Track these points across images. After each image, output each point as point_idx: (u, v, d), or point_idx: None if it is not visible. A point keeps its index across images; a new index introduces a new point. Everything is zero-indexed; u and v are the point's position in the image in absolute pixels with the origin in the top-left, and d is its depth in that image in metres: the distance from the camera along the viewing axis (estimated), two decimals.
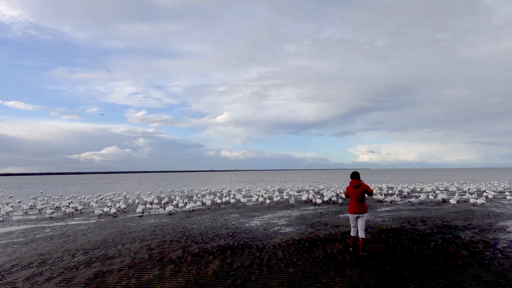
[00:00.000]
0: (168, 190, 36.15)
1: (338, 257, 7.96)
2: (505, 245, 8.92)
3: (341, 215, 15.11)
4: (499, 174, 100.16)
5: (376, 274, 6.62)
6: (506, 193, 23.08)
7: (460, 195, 23.21)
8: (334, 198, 22.34)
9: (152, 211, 18.02)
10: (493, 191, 25.43)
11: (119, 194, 32.04)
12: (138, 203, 22.31)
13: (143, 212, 17.44)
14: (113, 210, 16.91)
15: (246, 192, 31.40)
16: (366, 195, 8.24)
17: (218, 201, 21.49)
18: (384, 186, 34.20)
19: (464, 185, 37.03)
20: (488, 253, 8.13)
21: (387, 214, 15.33)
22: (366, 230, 9.11)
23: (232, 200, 21.71)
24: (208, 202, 19.97)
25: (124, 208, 19.07)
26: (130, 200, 24.52)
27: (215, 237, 10.62)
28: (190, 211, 17.75)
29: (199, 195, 26.63)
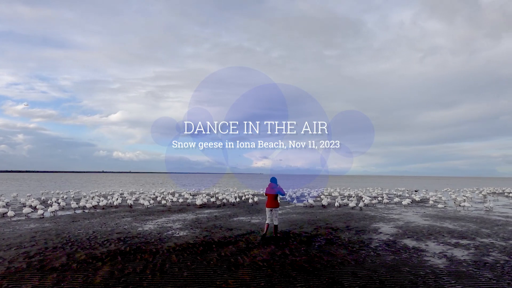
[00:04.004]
0: (52, 192, 32.89)
1: (231, 259, 8.17)
2: (377, 244, 10.12)
3: (235, 218, 15.48)
4: (374, 181, 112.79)
5: (266, 275, 6.97)
6: (379, 198, 26.12)
7: (342, 199, 25.48)
8: (232, 200, 22.79)
9: (31, 215, 16.22)
10: (369, 196, 28.56)
11: None
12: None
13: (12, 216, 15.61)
14: None
15: (140, 194, 30.14)
16: (279, 195, 11.21)
17: (102, 203, 20.26)
18: None
19: (345, 190, 40.76)
20: (363, 251, 9.14)
21: (278, 217, 16.13)
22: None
23: (120, 202, 20.71)
24: (89, 205, 18.77)
25: None
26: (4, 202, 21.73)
27: (104, 242, 10.03)
28: (51, 213, 16.43)
29: (87, 198, 24.74)
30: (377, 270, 7.38)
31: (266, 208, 11.22)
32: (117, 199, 22.58)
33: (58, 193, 31.18)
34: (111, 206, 20.64)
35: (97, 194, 29.52)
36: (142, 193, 32.99)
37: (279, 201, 11.28)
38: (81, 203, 19.36)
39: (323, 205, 21.92)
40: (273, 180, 11.34)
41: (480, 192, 39.45)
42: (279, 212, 11.56)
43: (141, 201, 21.77)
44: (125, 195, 28.06)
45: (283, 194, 11.38)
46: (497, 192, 44.17)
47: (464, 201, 24.18)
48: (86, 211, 18.23)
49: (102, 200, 21.53)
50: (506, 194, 38.87)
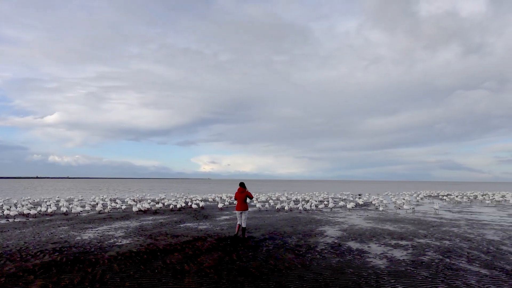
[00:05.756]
0: None
1: (177, 267, 7.90)
2: (323, 247, 10.30)
3: (181, 225, 15.10)
4: (320, 185, 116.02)
5: (213, 281, 6.80)
6: (325, 202, 26.82)
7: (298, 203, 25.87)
8: (179, 206, 22.22)
9: None
10: (315, 201, 29.24)
11: None
12: None
13: None
14: None
15: (79, 202, 28.54)
16: (248, 199, 12.00)
17: (33, 211, 18.81)
18: (224, 196, 35.79)
19: (292, 195, 41.47)
20: (309, 255, 9.25)
21: (225, 222, 16.00)
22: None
23: (55, 209, 19.44)
24: (13, 213, 17.40)
25: None
26: None
27: (38, 253, 9.30)
28: None
29: (18, 206, 22.92)
30: (323, 273, 7.48)
31: (236, 212, 12.03)
32: (49, 205, 21.15)
33: None
34: (46, 214, 19.31)
35: (30, 201, 27.49)
36: (81, 199, 31.31)
37: (248, 204, 12.17)
38: (5, 211, 17.89)
39: (277, 209, 22.28)
40: (242, 185, 12.23)
41: (418, 195, 41.90)
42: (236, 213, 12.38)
43: (75, 207, 20.46)
44: (61, 202, 26.34)
45: (251, 198, 12.15)
46: (432, 195, 47.15)
47: (403, 204, 25.49)
48: (11, 220, 16.87)
49: (34, 207, 20.05)
50: (440, 197, 41.61)
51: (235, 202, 25.94)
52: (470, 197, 41.34)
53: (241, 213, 11.90)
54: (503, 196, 41.94)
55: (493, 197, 39.77)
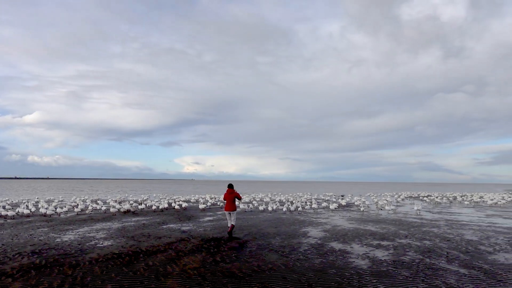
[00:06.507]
0: None
1: (160, 268, 7.83)
2: (306, 248, 10.36)
3: (164, 226, 14.97)
4: (304, 186, 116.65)
5: (196, 283, 6.76)
6: (308, 203, 26.98)
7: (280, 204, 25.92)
8: (161, 207, 21.97)
9: None
10: (299, 202, 29.37)
11: None
12: None
13: None
14: None
15: (59, 203, 27.96)
16: (236, 199, 12.10)
17: (11, 213, 18.37)
18: (208, 197, 35.64)
19: (276, 196, 41.57)
20: (293, 256, 9.29)
21: (209, 224, 15.93)
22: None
23: (33, 210, 18.99)
24: None
25: None
26: None
27: (16, 256, 9.08)
28: None
29: None
30: (306, 274, 7.52)
31: (225, 212, 12.71)
32: (27, 206, 20.62)
33: None
34: (24, 216, 18.86)
35: (8, 202, 26.79)
36: (62, 200, 30.70)
37: (236, 205, 12.78)
38: None
39: (261, 210, 22.33)
40: (231, 186, 12.83)
41: (399, 196, 42.55)
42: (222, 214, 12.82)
43: (51, 209, 19.99)
44: (41, 203, 25.75)
45: (240, 198, 12.92)
46: (413, 196, 47.96)
47: (385, 205, 25.84)
48: None
49: (13, 209, 19.54)
50: (421, 198, 42.32)
51: (222, 204, 26.24)
52: (450, 198, 42.22)
53: (230, 213, 12.58)
54: (481, 197, 42.96)
55: (472, 198, 40.68)
